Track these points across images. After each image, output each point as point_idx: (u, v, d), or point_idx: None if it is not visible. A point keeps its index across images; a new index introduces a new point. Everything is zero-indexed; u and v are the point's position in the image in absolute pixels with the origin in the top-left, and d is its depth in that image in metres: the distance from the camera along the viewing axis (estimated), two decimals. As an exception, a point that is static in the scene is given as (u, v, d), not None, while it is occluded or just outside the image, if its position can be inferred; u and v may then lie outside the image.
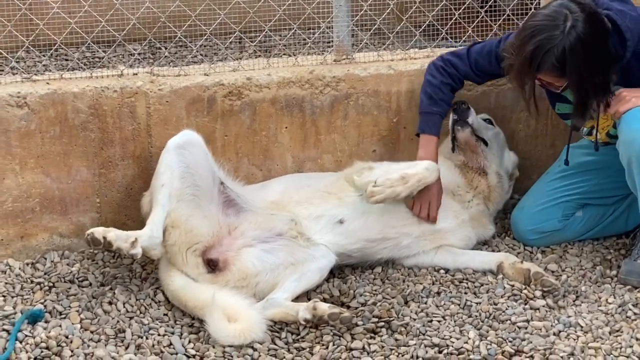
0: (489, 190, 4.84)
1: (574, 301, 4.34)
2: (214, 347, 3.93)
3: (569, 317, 4.18)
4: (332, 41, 5.04)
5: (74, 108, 4.44)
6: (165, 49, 5.42)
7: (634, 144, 4.20)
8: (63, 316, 4.10)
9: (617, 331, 4.09)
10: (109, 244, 4.09)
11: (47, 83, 4.49)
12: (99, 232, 4.12)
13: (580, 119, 4.31)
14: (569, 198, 4.79)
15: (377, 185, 4.41)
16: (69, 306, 4.17)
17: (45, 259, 4.50)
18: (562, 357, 3.87)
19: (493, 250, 4.78)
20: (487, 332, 4.07)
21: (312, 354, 3.92)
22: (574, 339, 4.02)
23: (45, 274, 4.40)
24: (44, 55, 5.26)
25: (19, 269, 4.42)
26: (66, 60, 5.71)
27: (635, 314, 4.21)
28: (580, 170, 4.77)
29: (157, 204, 4.25)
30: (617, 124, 4.30)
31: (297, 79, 4.75)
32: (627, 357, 3.89)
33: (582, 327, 4.11)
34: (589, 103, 4.21)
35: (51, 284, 4.32)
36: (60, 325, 4.01)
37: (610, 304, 4.30)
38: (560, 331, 4.08)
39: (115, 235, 4.10)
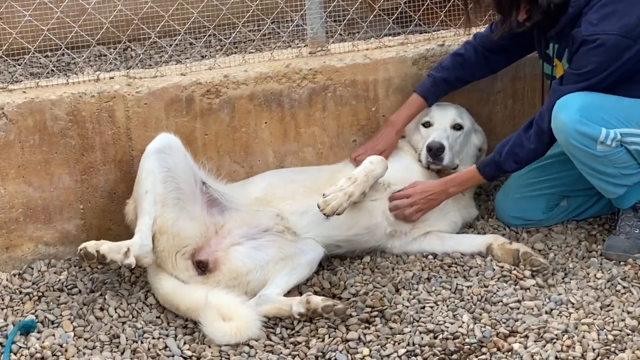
0: None
1: (562, 278, 4.37)
2: (210, 347, 3.93)
3: (560, 294, 4.21)
4: (306, 34, 5.04)
5: (53, 115, 4.40)
6: (143, 50, 5.39)
7: (559, 136, 4.31)
8: (55, 325, 4.08)
9: (608, 306, 4.12)
10: (102, 257, 4.07)
11: (24, 92, 4.44)
12: (91, 246, 4.09)
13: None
14: (553, 190, 4.77)
15: (327, 195, 4.37)
16: (61, 315, 4.14)
17: (32, 268, 4.46)
18: (556, 334, 3.90)
19: (479, 233, 4.80)
20: (480, 314, 4.10)
21: (308, 348, 3.92)
22: (567, 316, 4.05)
23: (33, 283, 4.36)
24: (18, 64, 5.21)
25: (7, 280, 4.38)
26: (39, 67, 5.68)
27: (624, 287, 4.25)
28: (560, 160, 4.65)
29: (143, 211, 4.23)
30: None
31: (274, 73, 4.74)
32: (620, 330, 3.93)
33: (573, 303, 4.14)
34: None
35: (40, 294, 4.28)
36: (53, 335, 3.99)
37: (598, 279, 4.34)
38: (552, 309, 4.11)
39: (108, 248, 4.08)
